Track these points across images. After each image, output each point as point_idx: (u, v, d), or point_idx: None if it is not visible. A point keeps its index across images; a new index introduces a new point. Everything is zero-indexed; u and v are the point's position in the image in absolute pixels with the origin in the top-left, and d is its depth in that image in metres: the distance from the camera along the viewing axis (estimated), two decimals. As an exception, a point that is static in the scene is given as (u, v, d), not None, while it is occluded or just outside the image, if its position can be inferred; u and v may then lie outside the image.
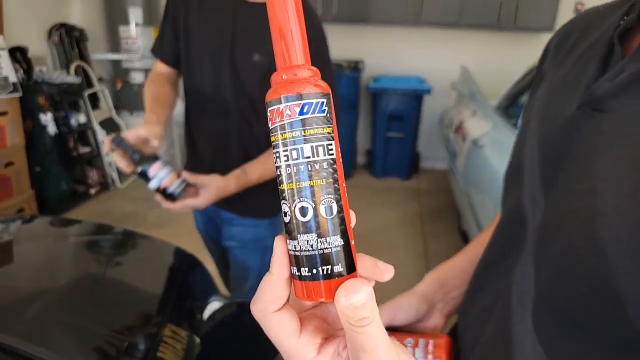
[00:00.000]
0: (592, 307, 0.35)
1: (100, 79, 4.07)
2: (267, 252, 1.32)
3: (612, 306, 0.33)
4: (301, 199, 0.26)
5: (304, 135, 0.26)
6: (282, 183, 0.27)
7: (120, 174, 3.95)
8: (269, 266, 0.29)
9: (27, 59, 3.19)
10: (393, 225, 3.31)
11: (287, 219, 0.27)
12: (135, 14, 3.96)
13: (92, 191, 3.54)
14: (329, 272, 0.27)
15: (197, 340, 0.76)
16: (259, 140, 1.21)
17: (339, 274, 0.27)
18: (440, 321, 0.63)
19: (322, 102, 0.27)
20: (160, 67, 1.28)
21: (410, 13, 3.88)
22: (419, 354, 0.55)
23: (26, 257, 1.15)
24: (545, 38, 4.00)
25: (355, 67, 4.14)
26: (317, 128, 0.26)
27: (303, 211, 0.26)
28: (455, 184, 2.95)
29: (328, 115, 0.27)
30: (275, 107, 0.27)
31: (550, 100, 0.48)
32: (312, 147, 0.26)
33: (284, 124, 0.26)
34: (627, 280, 0.31)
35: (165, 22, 1.22)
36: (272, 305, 0.28)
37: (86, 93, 3.62)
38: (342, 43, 4.23)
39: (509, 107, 2.62)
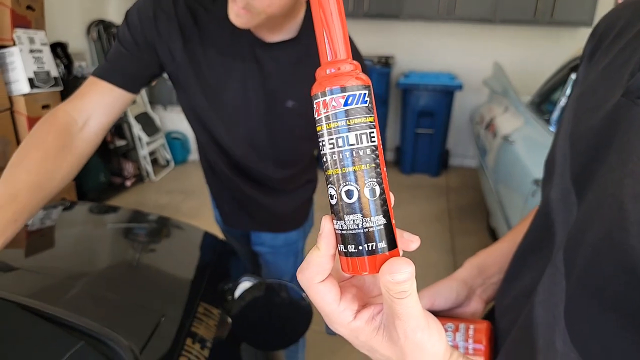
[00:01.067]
0: (626, 291, 0.35)
1: (136, 75, 4.21)
2: (299, 255, 1.30)
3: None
4: (347, 183, 0.29)
5: (348, 125, 0.29)
6: (329, 169, 0.30)
7: (155, 167, 4.07)
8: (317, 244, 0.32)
9: (68, 55, 3.33)
10: (421, 221, 3.30)
11: (333, 202, 0.30)
12: (170, 11, 4.07)
13: (128, 183, 3.67)
14: (373, 248, 0.29)
15: (229, 318, 0.79)
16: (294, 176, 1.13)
17: (382, 250, 0.30)
18: (480, 306, 0.64)
19: (364, 94, 0.29)
20: (100, 90, 0.88)
21: (442, 8, 3.83)
22: (460, 339, 0.56)
23: (69, 241, 1.22)
24: (584, 32, 3.89)
25: (386, 62, 4.12)
26: (360, 117, 0.29)
27: (349, 194, 0.29)
28: (485, 181, 2.91)
29: (369, 105, 0.29)
30: (321, 99, 0.29)
31: (588, 93, 0.48)
32: (356, 135, 0.29)
33: (330, 114, 0.29)
34: None
35: (126, 37, 0.90)
36: (317, 276, 0.31)
37: (123, 88, 3.75)
38: (373, 39, 4.23)
39: (542, 103, 2.56)
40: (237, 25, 0.79)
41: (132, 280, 0.92)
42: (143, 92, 4.06)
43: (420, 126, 4.05)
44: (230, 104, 0.93)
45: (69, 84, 3.13)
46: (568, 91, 2.23)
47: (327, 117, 0.29)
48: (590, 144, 0.43)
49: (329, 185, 0.30)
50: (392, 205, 0.31)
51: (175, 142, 4.29)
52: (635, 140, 0.37)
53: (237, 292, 0.79)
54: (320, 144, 0.30)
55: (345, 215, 0.29)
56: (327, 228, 0.31)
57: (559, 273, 0.44)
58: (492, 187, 2.61)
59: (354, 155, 0.29)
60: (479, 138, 3.24)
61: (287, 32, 0.89)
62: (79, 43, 3.64)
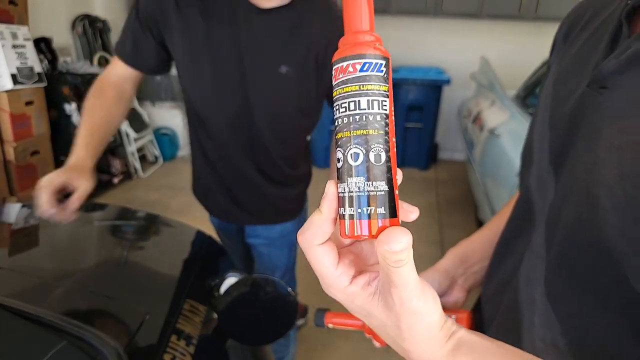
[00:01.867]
0: (597, 270, 0.37)
1: (122, 70, 4.16)
2: (294, 247, 1.29)
3: (612, 268, 0.35)
4: (354, 146, 0.30)
5: (362, 90, 0.29)
6: (340, 132, 0.31)
7: (143, 163, 4.04)
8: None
9: (52, 50, 3.29)
10: (410, 215, 3.32)
11: (339, 164, 0.31)
12: (156, 6, 4.02)
13: (116, 180, 3.64)
14: (373, 212, 0.30)
15: (215, 314, 0.80)
16: (285, 148, 1.10)
17: (382, 216, 0.30)
18: (462, 295, 0.65)
19: (382, 64, 0.30)
20: (122, 71, 1.06)
21: (430, 3, 3.84)
22: None
23: (53, 239, 1.21)
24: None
25: (374, 57, 4.12)
26: (374, 84, 0.30)
27: (355, 156, 0.30)
28: (472, 174, 2.94)
29: (385, 75, 0.30)
30: (340, 64, 0.30)
31: (561, 81, 0.50)
32: (368, 100, 0.29)
33: (347, 78, 0.30)
34: (623, 244, 0.34)
35: (132, 18, 1.01)
36: (317, 238, 0.32)
37: (109, 84, 3.70)
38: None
39: (527, 97, 2.59)
40: None
41: (118, 278, 0.92)
42: (130, 88, 4.02)
43: (409, 120, 4.07)
44: (225, 71, 0.95)
45: (53, 79, 3.09)
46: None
47: (344, 81, 0.30)
48: (564, 131, 0.45)
49: (338, 149, 0.31)
50: (397, 177, 0.32)
51: (163, 138, 4.26)
52: (600, 129, 0.39)
53: (223, 288, 0.80)
54: (335, 108, 0.31)
55: (349, 178, 0.30)
56: (331, 191, 0.32)
57: (538, 254, 0.46)
58: (479, 180, 2.63)
59: (364, 119, 0.29)
60: (467, 131, 3.26)
61: None
62: (63, 38, 3.59)
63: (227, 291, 0.78)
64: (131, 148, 3.82)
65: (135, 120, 3.90)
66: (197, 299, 0.80)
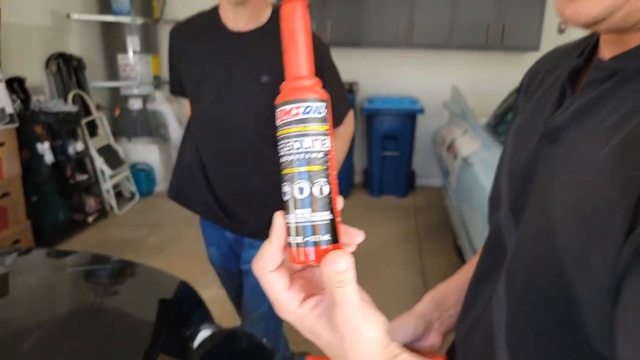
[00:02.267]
0: (555, 313, 0.39)
1: (98, 106, 4.13)
2: None
3: (569, 311, 0.37)
4: (299, 181, 0.33)
5: (305, 130, 0.33)
6: (285, 168, 0.34)
7: (119, 200, 3.97)
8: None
9: (25, 89, 3.25)
10: (391, 242, 3.32)
11: (286, 197, 0.34)
12: (133, 42, 4.05)
13: (90, 219, 3.55)
14: (319, 240, 0.33)
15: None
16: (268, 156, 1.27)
17: (326, 242, 0.33)
18: (438, 339, 0.65)
19: (321, 106, 0.33)
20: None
21: (401, 36, 3.97)
22: None
23: (21, 289, 1.17)
24: (531, 57, 4.08)
25: (350, 89, 4.21)
26: (315, 125, 0.33)
27: (300, 190, 0.33)
28: (449, 201, 2.98)
29: (325, 116, 0.34)
30: (283, 108, 0.33)
31: (519, 134, 0.54)
32: (311, 139, 0.33)
33: (290, 120, 0.33)
34: (579, 285, 0.36)
35: (171, 69, 1.37)
36: (269, 266, 0.35)
37: (84, 121, 3.67)
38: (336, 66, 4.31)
39: (497, 125, 2.67)
40: (234, 5, 1.13)
41: (88, 330, 0.89)
42: (106, 124, 3.99)
43: (386, 149, 4.13)
44: (216, 85, 1.19)
45: (25, 118, 3.05)
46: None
47: (287, 123, 0.33)
48: (521, 181, 0.49)
49: (284, 183, 0.34)
50: (337, 206, 0.35)
51: (140, 174, 4.21)
52: (552, 179, 0.43)
53: (197, 341, 0.78)
54: (280, 147, 0.34)
55: (295, 209, 0.33)
56: (278, 222, 0.35)
57: (501, 298, 0.47)
58: (456, 207, 2.67)
59: (308, 157, 0.33)
60: (442, 159, 3.32)
61: (258, 21, 1.20)
62: (37, 76, 3.56)
63: (201, 344, 0.76)
64: (107, 185, 3.76)
65: (111, 157, 3.85)
66: (171, 353, 0.78)
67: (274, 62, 1.08)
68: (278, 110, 0.34)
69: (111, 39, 4.13)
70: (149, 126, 4.22)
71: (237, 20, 1.19)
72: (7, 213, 2.70)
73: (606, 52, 0.45)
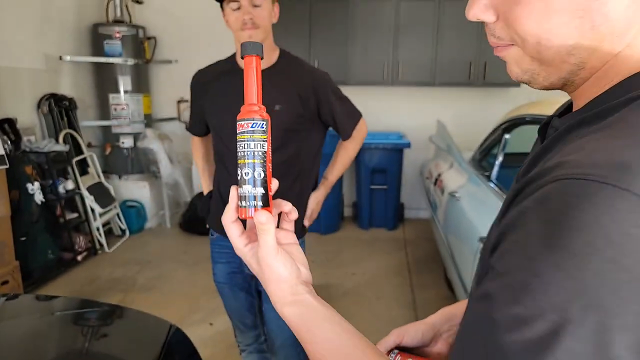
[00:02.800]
0: None
1: (89, 145, 4.17)
2: None
3: None
4: (247, 167, 0.51)
5: (251, 137, 0.51)
6: (240, 159, 0.52)
7: (109, 237, 3.95)
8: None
9: (16, 130, 3.28)
10: (381, 276, 3.33)
11: (239, 177, 0.52)
12: (124, 82, 4.13)
13: (80, 257, 3.52)
14: (255, 204, 0.52)
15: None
16: (302, 166, 1.51)
17: (260, 206, 0.52)
18: (445, 348, 0.72)
19: (263, 123, 0.52)
20: (197, 139, 1.70)
21: (387, 74, 4.11)
22: None
23: (7, 334, 1.17)
24: (514, 92, 4.26)
25: (337, 124, 4.30)
26: (258, 135, 0.52)
27: (246, 174, 0.51)
28: (438, 234, 3.02)
29: (265, 129, 0.52)
30: (240, 122, 0.52)
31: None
32: (254, 143, 0.51)
33: (244, 131, 0.52)
34: None
35: (192, 109, 1.62)
36: (228, 219, 0.54)
37: (74, 160, 3.69)
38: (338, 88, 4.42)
39: (482, 159, 2.74)
40: (247, 38, 1.34)
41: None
42: (97, 163, 4.01)
43: (374, 182, 4.19)
44: (233, 117, 1.28)
45: (16, 159, 3.07)
46: (504, 149, 2.41)
47: (242, 132, 0.52)
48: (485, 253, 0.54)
49: (238, 169, 0.52)
50: (271, 185, 0.54)
51: (130, 211, 4.21)
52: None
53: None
54: (238, 146, 0.52)
55: (243, 185, 0.52)
56: (233, 192, 0.53)
57: None
58: (444, 240, 2.71)
59: (252, 153, 0.51)
60: (429, 192, 3.38)
61: (268, 62, 1.44)
62: (28, 117, 3.59)
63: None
64: (96, 223, 3.74)
65: (102, 195, 3.85)
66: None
67: (284, 93, 1.40)
68: (237, 123, 0.52)
69: (103, 79, 4.20)
70: (139, 163, 4.24)
71: None
72: (-5, 255, 2.67)
73: (575, 100, 0.50)
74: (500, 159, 2.37)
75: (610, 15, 0.40)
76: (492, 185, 2.29)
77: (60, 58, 3.86)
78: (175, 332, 1.23)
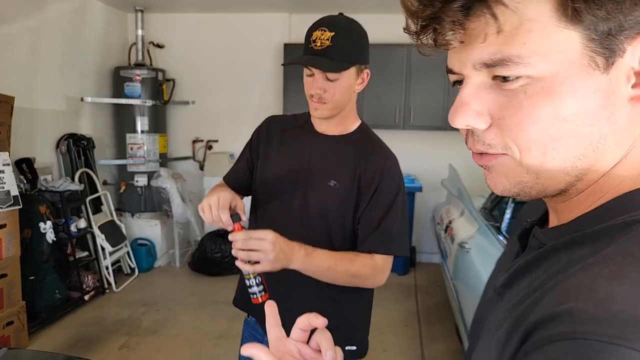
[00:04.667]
0: None
1: (104, 182, 4.24)
2: None
3: None
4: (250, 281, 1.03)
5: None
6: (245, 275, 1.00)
7: (118, 275, 3.95)
8: None
9: (33, 169, 3.37)
10: (390, 326, 3.22)
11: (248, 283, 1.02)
12: (142, 122, 4.24)
13: (87, 297, 3.51)
14: (258, 296, 1.02)
15: None
16: (334, 249, 1.20)
17: (261, 296, 1.03)
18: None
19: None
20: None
21: (399, 119, 4.14)
22: None
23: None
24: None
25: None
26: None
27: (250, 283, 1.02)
28: (448, 283, 2.93)
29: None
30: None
31: (491, 278, 0.59)
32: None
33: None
34: None
35: (243, 153, 1.38)
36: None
37: (88, 198, 3.75)
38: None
39: (493, 209, 2.68)
40: (317, 117, 1.21)
41: None
42: (110, 201, 4.07)
43: (385, 226, 4.13)
44: (293, 176, 1.25)
45: (32, 197, 3.13)
46: (514, 200, 2.35)
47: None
48: (475, 327, 0.54)
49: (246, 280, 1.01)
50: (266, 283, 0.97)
51: (141, 249, 4.22)
52: (492, 328, 0.45)
53: None
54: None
55: (250, 288, 1.01)
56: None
57: None
58: (453, 292, 2.62)
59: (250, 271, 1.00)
60: (440, 239, 3.31)
61: (343, 129, 1.25)
62: (46, 156, 3.70)
63: None
64: (106, 262, 3.76)
65: (113, 234, 3.88)
66: None
67: (343, 170, 1.22)
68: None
69: (122, 119, 4.33)
70: (152, 202, 4.29)
71: (322, 126, 1.26)
72: (2, 295, 2.69)
73: (552, 219, 0.48)
74: (510, 210, 2.31)
75: (617, 124, 0.38)
76: (501, 238, 2.23)
77: (82, 99, 4.00)
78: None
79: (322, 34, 1.13)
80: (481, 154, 0.43)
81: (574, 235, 0.39)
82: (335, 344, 1.23)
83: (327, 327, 1.25)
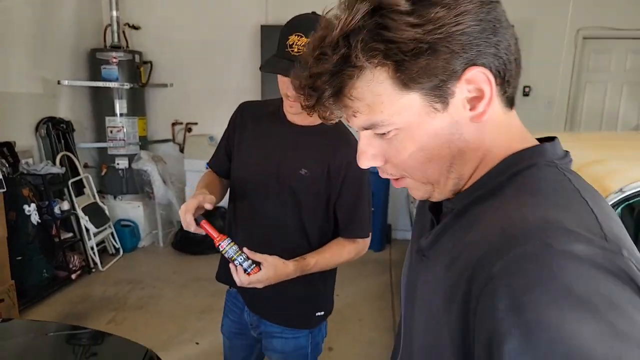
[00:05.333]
0: None
1: (85, 165, 4.30)
2: (307, 358, 1.44)
3: None
4: (237, 258, 1.15)
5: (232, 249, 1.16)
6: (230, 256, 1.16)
7: (103, 256, 4.06)
8: None
9: (14, 153, 3.42)
10: (365, 298, 3.43)
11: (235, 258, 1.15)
12: (120, 105, 4.27)
13: (74, 276, 3.63)
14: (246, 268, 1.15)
15: None
16: (308, 235, 1.35)
17: (250, 269, 1.16)
18: None
19: (228, 242, 1.17)
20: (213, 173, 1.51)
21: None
22: None
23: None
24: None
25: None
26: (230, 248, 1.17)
27: (239, 260, 1.15)
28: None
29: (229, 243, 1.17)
30: (220, 243, 1.15)
31: (413, 240, 0.73)
32: (234, 253, 1.17)
33: (219, 244, 1.15)
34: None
35: (222, 140, 1.47)
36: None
37: (70, 181, 3.82)
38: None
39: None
40: (292, 113, 1.30)
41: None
42: (92, 184, 4.14)
43: (361, 204, 4.30)
44: (266, 162, 1.34)
45: (13, 181, 3.19)
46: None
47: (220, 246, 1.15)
48: (406, 286, 0.68)
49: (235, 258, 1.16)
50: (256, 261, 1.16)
51: (124, 230, 4.32)
52: (418, 286, 0.61)
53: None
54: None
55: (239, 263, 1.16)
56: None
57: None
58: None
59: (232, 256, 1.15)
60: (413, 217, 3.50)
61: (313, 120, 1.29)
62: (26, 140, 3.73)
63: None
64: (91, 243, 3.86)
65: (96, 215, 3.97)
66: None
67: (314, 160, 1.31)
68: (219, 245, 1.13)
69: (100, 102, 4.35)
70: (134, 184, 4.37)
71: (294, 117, 1.33)
72: (-9, 275, 2.79)
73: None
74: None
75: (469, 139, 0.54)
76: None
77: (59, 82, 4.02)
78: (151, 357, 1.34)
79: (298, 40, 1.18)
80: (395, 179, 0.60)
81: (479, 193, 0.56)
82: (307, 312, 1.41)
83: (300, 299, 1.41)
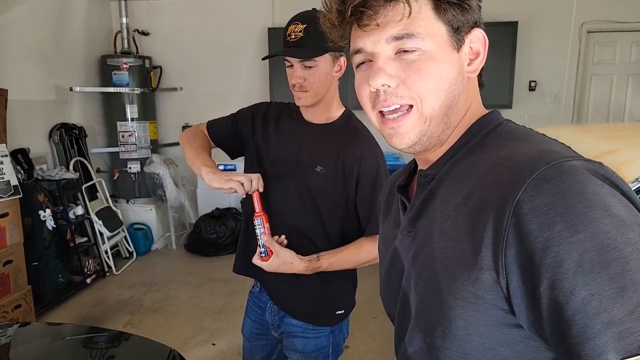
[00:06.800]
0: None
1: (98, 170, 4.34)
2: (328, 359, 1.43)
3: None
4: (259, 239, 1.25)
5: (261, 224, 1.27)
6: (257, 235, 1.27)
7: (117, 259, 4.09)
8: None
9: (29, 159, 3.46)
10: (379, 295, 3.41)
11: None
12: (131, 110, 4.32)
13: (89, 280, 3.66)
14: (264, 251, 1.26)
15: None
16: (330, 237, 1.35)
17: (265, 254, 1.26)
18: None
19: (261, 220, 1.27)
20: (205, 134, 1.49)
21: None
22: None
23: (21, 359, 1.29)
24: (505, 114, 4.35)
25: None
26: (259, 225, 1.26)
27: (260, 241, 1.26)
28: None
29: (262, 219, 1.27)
30: (255, 220, 1.26)
31: (384, 230, 0.79)
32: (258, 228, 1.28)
33: (255, 223, 1.27)
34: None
35: (233, 117, 1.46)
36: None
37: (84, 186, 3.86)
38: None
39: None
40: (301, 105, 1.31)
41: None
42: (105, 188, 4.17)
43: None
44: (283, 161, 1.36)
45: (28, 187, 3.23)
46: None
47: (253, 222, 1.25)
48: (389, 260, 0.73)
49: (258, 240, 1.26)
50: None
51: (138, 233, 4.35)
52: (416, 256, 0.62)
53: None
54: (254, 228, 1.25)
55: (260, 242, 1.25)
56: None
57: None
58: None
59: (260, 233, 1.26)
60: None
61: (327, 117, 1.35)
62: (40, 146, 3.78)
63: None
64: (105, 247, 3.89)
65: (110, 220, 4.00)
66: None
67: (327, 156, 1.32)
68: (255, 219, 1.24)
69: (111, 107, 4.39)
70: (146, 187, 4.40)
71: (308, 114, 1.36)
72: (9, 280, 2.82)
73: (422, 165, 0.67)
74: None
75: (465, 87, 0.60)
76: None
77: (71, 89, 4.07)
78: (175, 357, 1.34)
79: (295, 27, 1.23)
80: (395, 115, 0.60)
81: (460, 152, 0.60)
82: (327, 311, 1.40)
83: (319, 297, 1.42)
